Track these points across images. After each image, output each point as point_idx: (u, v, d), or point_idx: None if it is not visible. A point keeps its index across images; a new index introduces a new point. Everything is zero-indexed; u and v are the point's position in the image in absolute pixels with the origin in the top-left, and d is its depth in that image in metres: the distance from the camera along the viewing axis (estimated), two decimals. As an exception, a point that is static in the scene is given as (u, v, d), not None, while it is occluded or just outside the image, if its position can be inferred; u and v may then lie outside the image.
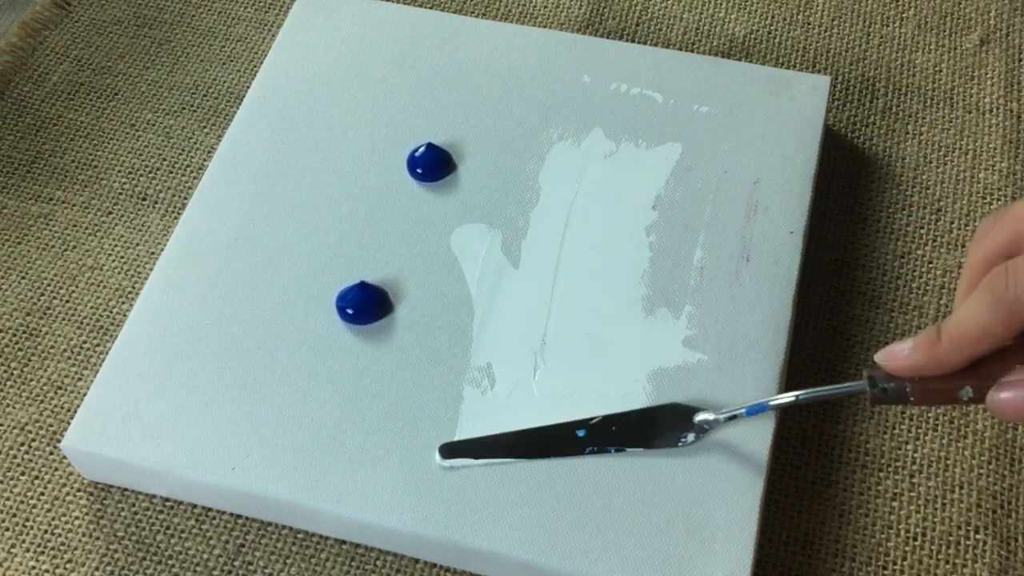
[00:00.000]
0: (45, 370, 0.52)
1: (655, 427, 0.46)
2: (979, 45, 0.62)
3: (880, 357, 0.38)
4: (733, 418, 0.45)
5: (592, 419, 0.46)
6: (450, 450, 0.46)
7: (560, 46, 0.58)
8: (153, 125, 0.61)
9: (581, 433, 0.46)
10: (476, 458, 0.46)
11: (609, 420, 0.46)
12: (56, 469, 0.49)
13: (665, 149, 0.54)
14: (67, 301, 0.54)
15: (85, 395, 0.49)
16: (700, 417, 0.45)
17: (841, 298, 0.53)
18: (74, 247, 0.56)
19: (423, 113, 0.56)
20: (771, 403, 0.43)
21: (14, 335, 0.53)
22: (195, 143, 0.60)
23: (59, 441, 0.50)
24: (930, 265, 0.54)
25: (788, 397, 0.42)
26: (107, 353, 0.50)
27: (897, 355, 0.38)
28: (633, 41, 0.63)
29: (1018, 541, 0.47)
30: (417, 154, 0.54)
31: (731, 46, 0.63)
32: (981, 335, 0.35)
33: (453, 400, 0.47)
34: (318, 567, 0.47)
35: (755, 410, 0.44)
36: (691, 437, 0.46)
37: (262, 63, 0.59)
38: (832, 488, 0.48)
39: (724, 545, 0.44)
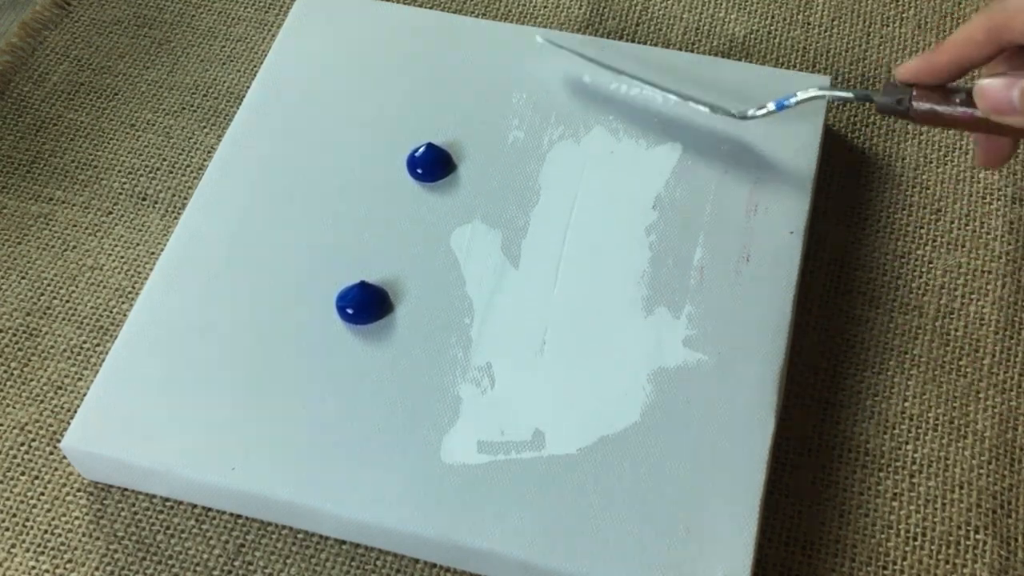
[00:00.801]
0: (45, 370, 0.52)
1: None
2: (979, 45, 0.62)
3: (896, 69, 0.45)
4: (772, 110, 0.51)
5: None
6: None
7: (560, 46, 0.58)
8: (153, 125, 0.61)
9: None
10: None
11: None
12: (56, 469, 0.49)
13: (665, 149, 0.54)
14: (67, 301, 0.54)
15: (85, 395, 0.49)
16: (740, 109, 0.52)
17: (841, 298, 0.53)
18: (74, 247, 0.56)
19: (423, 113, 0.56)
20: (795, 99, 0.50)
21: (14, 335, 0.53)
22: (195, 143, 0.60)
23: (59, 441, 0.50)
24: (930, 265, 0.54)
25: (812, 92, 0.49)
26: (107, 353, 0.50)
27: (905, 64, 0.44)
28: (633, 41, 0.63)
29: (1018, 541, 0.47)
30: (417, 154, 0.54)
31: (731, 46, 0.63)
32: (966, 39, 0.41)
33: (453, 400, 0.47)
34: (318, 567, 0.47)
35: (782, 104, 0.50)
36: (751, 110, 0.52)
37: (262, 63, 0.59)
38: (832, 488, 0.48)
39: (724, 545, 0.44)
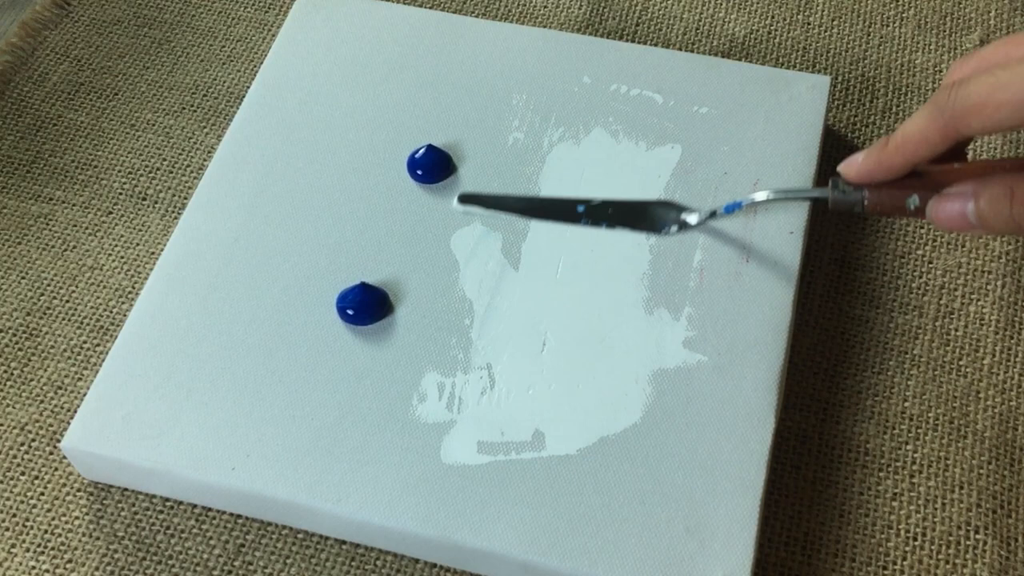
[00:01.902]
0: (45, 370, 0.52)
1: (646, 216, 0.51)
2: (979, 45, 0.62)
3: (841, 166, 0.43)
4: (712, 215, 0.49)
5: (592, 200, 0.51)
6: (467, 198, 0.52)
7: (560, 46, 0.58)
8: (153, 125, 0.61)
9: (581, 208, 0.51)
10: (487, 208, 0.51)
11: (607, 204, 0.51)
12: (56, 469, 0.49)
13: (665, 150, 0.54)
14: (67, 301, 0.54)
15: (85, 395, 0.49)
16: (684, 215, 0.50)
17: (841, 298, 0.54)
18: (74, 247, 0.56)
19: (423, 114, 0.56)
20: (746, 201, 0.48)
21: (14, 335, 0.53)
22: (195, 143, 0.60)
23: (59, 441, 0.50)
24: (930, 265, 0.54)
25: (762, 195, 0.47)
26: (107, 353, 0.50)
27: (853, 162, 0.42)
28: (633, 41, 0.63)
29: (1018, 541, 0.47)
30: (417, 155, 0.54)
31: (731, 46, 0.63)
32: (920, 140, 0.39)
33: (453, 400, 0.47)
34: (318, 567, 0.47)
35: (732, 208, 0.48)
36: (674, 228, 0.50)
37: (262, 63, 0.59)
38: (832, 488, 0.48)
39: (724, 545, 0.44)
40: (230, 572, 0.47)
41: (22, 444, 0.50)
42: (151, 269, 0.54)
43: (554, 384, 0.48)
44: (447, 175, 0.54)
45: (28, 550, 0.47)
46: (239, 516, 0.48)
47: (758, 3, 0.65)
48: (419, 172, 0.54)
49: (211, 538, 0.47)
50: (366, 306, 0.49)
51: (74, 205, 0.58)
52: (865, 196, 0.42)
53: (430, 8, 0.64)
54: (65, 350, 0.53)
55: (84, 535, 0.48)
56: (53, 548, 0.47)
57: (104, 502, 0.48)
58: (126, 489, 0.49)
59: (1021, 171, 0.39)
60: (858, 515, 0.48)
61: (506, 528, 0.44)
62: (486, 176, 0.54)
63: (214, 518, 0.48)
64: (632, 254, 0.51)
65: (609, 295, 0.50)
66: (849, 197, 0.43)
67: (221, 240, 0.52)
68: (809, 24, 0.64)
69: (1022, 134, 0.58)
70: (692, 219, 0.50)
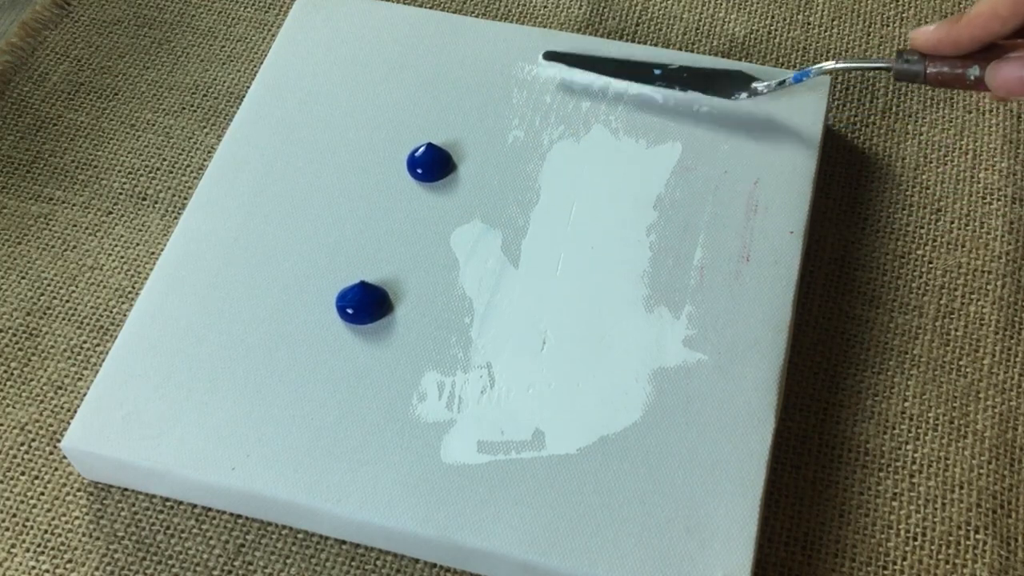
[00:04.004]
0: (45, 370, 0.52)
1: (717, 82, 0.54)
2: (979, 45, 0.62)
3: (912, 33, 0.45)
4: (782, 83, 0.52)
5: (669, 64, 0.55)
6: (552, 55, 0.56)
7: (560, 46, 0.58)
8: (153, 125, 0.61)
9: (658, 72, 0.55)
10: (570, 65, 0.55)
11: (683, 68, 0.55)
12: (56, 469, 0.49)
13: (665, 149, 0.54)
14: (67, 301, 0.54)
15: (85, 395, 0.49)
16: (755, 84, 0.53)
17: (841, 298, 0.53)
18: (74, 247, 0.56)
19: (423, 113, 0.56)
20: (814, 70, 0.51)
21: (14, 335, 0.53)
22: (195, 143, 0.60)
23: (59, 441, 0.50)
24: (930, 265, 0.54)
25: (829, 64, 0.50)
26: (107, 353, 0.50)
27: (923, 31, 0.44)
28: (633, 41, 0.63)
29: (1018, 541, 0.47)
30: (417, 154, 0.54)
31: (731, 46, 0.63)
32: (990, 15, 0.41)
33: (453, 400, 0.47)
34: (318, 567, 0.47)
35: (800, 77, 0.51)
36: (744, 95, 0.54)
37: (262, 63, 0.59)
38: (832, 488, 0.48)
39: (724, 545, 0.44)
40: (230, 572, 0.47)
41: (22, 444, 0.50)
42: (151, 269, 0.54)
43: (554, 383, 0.48)
44: (447, 173, 0.54)
45: (28, 550, 0.47)
46: (239, 516, 0.48)
47: (758, 3, 0.65)
48: (419, 171, 0.54)
49: (211, 538, 0.47)
50: (366, 305, 0.49)
51: (74, 205, 0.58)
52: (927, 66, 0.44)
53: (430, 8, 0.64)
54: (65, 350, 0.53)
55: (84, 535, 0.48)
56: (53, 548, 0.47)
57: (104, 502, 0.48)
58: (126, 489, 0.49)
59: None
60: (858, 515, 0.48)
61: (506, 528, 0.44)
62: (486, 174, 0.54)
63: (214, 518, 0.48)
64: (632, 252, 0.51)
65: (609, 293, 0.50)
66: (913, 67, 0.45)
67: (221, 240, 0.52)
68: (809, 24, 0.64)
69: (1021, 133, 0.58)
70: (762, 87, 0.53)
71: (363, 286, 0.50)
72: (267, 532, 0.47)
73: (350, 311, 0.49)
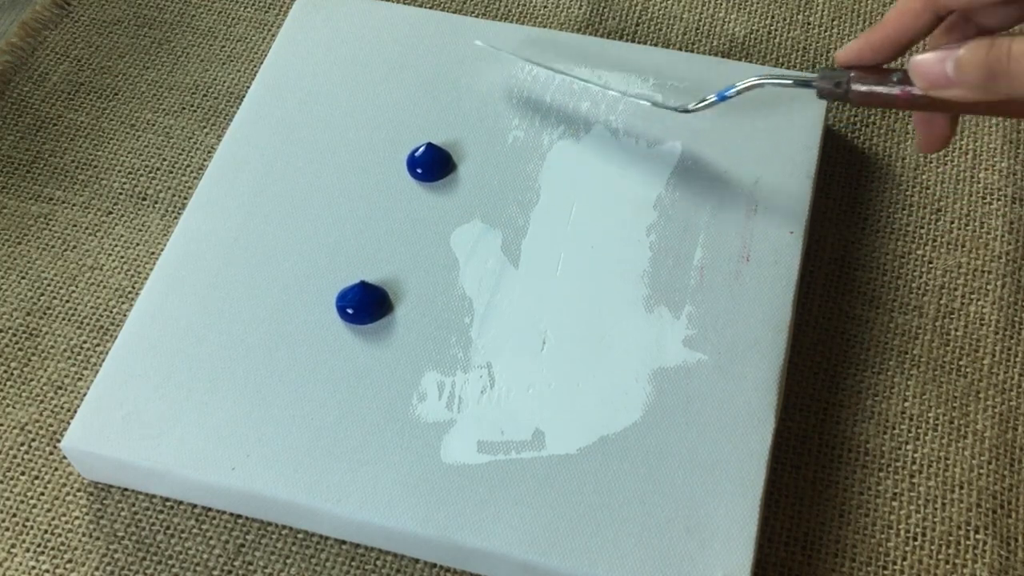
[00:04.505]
0: (45, 370, 0.52)
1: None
2: (979, 45, 0.62)
3: (836, 53, 0.44)
4: (703, 102, 0.50)
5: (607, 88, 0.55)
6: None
7: (560, 46, 0.58)
8: (153, 125, 0.61)
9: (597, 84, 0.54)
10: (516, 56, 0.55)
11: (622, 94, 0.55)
12: (56, 469, 0.49)
13: (665, 148, 0.54)
14: (67, 301, 0.54)
15: (85, 395, 0.49)
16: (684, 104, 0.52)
17: (841, 298, 0.53)
18: (74, 247, 0.56)
19: (423, 113, 0.56)
20: (736, 88, 0.49)
21: (14, 335, 0.53)
22: (195, 143, 0.60)
23: (59, 441, 0.50)
24: (930, 265, 0.54)
25: (751, 80, 0.48)
26: (107, 353, 0.50)
27: (846, 47, 0.43)
28: (633, 41, 0.63)
29: (1018, 541, 0.47)
30: (417, 154, 0.54)
31: (731, 46, 0.63)
32: (903, 11, 0.41)
33: (453, 400, 0.47)
34: (318, 567, 0.47)
35: (723, 94, 0.49)
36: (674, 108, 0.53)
37: (262, 63, 0.59)
38: (832, 488, 0.48)
39: (724, 545, 0.44)
40: (230, 572, 0.47)
41: (22, 444, 0.50)
42: (151, 269, 0.54)
43: (554, 383, 0.48)
44: (447, 173, 0.54)
45: (28, 550, 0.47)
46: (239, 516, 0.48)
47: (758, 3, 0.65)
48: (419, 170, 0.54)
49: (211, 538, 0.47)
50: (366, 305, 0.49)
51: (74, 205, 0.58)
52: (851, 80, 0.43)
53: (430, 8, 0.64)
54: (65, 350, 0.53)
55: (84, 535, 0.48)
56: (53, 548, 0.47)
57: (104, 502, 0.48)
58: (126, 489, 0.49)
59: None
60: (858, 515, 0.48)
61: (506, 528, 0.44)
62: (486, 174, 0.54)
63: (214, 518, 0.48)
64: (632, 252, 0.51)
65: (609, 293, 0.50)
66: (836, 80, 0.43)
67: (221, 240, 0.52)
68: (809, 24, 0.64)
69: (1021, 133, 0.58)
70: (691, 106, 0.51)
71: (363, 286, 0.50)
72: (267, 532, 0.47)
73: (350, 311, 0.49)
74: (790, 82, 0.46)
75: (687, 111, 0.51)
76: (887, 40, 0.42)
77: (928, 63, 0.39)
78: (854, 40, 0.43)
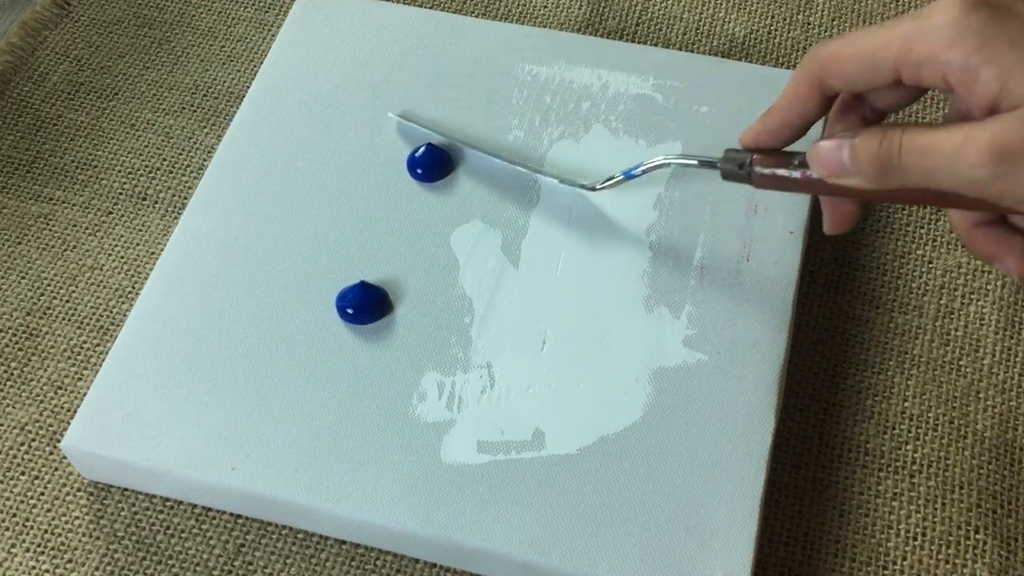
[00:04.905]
0: (45, 370, 0.52)
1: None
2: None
3: (741, 135, 0.43)
4: (612, 179, 0.50)
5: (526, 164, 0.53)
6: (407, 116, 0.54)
7: (560, 46, 0.58)
8: (153, 125, 0.61)
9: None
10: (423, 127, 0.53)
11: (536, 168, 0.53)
12: (56, 469, 0.49)
13: (665, 149, 0.54)
14: (67, 301, 0.54)
15: (85, 395, 0.49)
16: (584, 182, 0.52)
17: (841, 298, 0.53)
18: (74, 247, 0.56)
19: (423, 113, 0.56)
20: (642, 167, 0.48)
21: (14, 335, 0.53)
22: (195, 143, 0.60)
23: (59, 441, 0.50)
24: (930, 265, 0.54)
25: (657, 159, 0.48)
26: (107, 353, 0.50)
27: (748, 128, 0.43)
28: (633, 41, 0.63)
29: (1018, 541, 0.47)
30: (417, 154, 0.54)
31: (731, 46, 0.63)
32: (792, 95, 0.40)
33: (453, 400, 0.47)
34: (318, 567, 0.47)
35: (629, 173, 0.49)
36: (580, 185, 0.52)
37: (262, 63, 0.59)
38: (832, 488, 0.48)
39: (724, 545, 0.44)
40: (230, 572, 0.47)
41: (22, 444, 0.50)
42: (151, 269, 0.54)
43: (554, 383, 0.48)
44: (447, 173, 0.54)
45: (28, 550, 0.47)
46: (239, 516, 0.48)
47: (758, 3, 0.65)
48: (419, 171, 0.54)
49: (211, 538, 0.47)
50: (366, 305, 0.49)
51: (74, 205, 0.58)
52: (753, 162, 0.42)
53: (430, 8, 0.64)
54: (65, 350, 0.53)
55: (84, 535, 0.48)
56: (53, 548, 0.47)
57: (104, 502, 0.48)
58: (126, 489, 0.49)
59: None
60: (858, 515, 0.48)
61: (506, 528, 0.44)
62: (486, 175, 0.54)
63: (214, 518, 0.48)
64: (632, 252, 0.51)
65: (609, 293, 0.50)
66: (739, 161, 0.42)
67: (221, 240, 0.52)
68: (809, 24, 0.64)
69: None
70: (599, 185, 0.51)
71: (363, 286, 0.50)
72: (267, 532, 0.47)
73: (350, 311, 0.49)
74: (695, 163, 0.45)
75: (593, 189, 0.51)
76: (783, 124, 0.41)
77: (825, 151, 0.39)
78: (755, 122, 0.42)
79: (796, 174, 0.41)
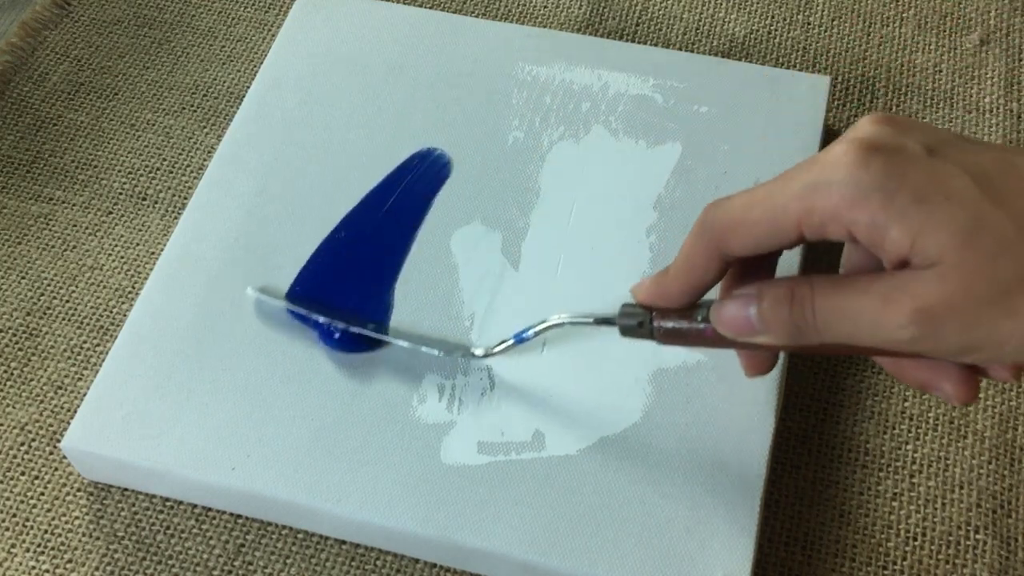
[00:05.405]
0: (45, 370, 0.52)
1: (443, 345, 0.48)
2: (979, 45, 0.62)
3: (632, 287, 0.40)
4: (504, 343, 0.46)
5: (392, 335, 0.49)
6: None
7: (560, 46, 0.58)
8: (153, 125, 0.61)
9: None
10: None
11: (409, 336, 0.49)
12: (56, 469, 0.49)
13: (665, 149, 0.54)
14: (67, 301, 0.54)
15: (85, 395, 0.49)
16: (474, 350, 0.48)
17: (841, 298, 0.53)
18: (74, 247, 0.56)
19: (423, 113, 0.56)
20: (534, 329, 0.45)
21: (14, 335, 0.53)
22: (195, 143, 0.60)
23: (59, 441, 0.50)
24: (930, 265, 0.54)
25: (554, 319, 0.44)
26: (107, 353, 0.50)
27: (640, 284, 0.40)
28: (633, 41, 0.63)
29: (1018, 541, 0.47)
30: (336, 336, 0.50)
31: (731, 46, 0.63)
32: (689, 265, 0.38)
33: (453, 401, 0.47)
34: (318, 567, 0.47)
35: (520, 337, 0.46)
36: (461, 356, 0.48)
37: (262, 63, 0.59)
38: (832, 488, 0.48)
39: (724, 545, 0.44)
40: (230, 572, 0.47)
41: (22, 444, 0.50)
42: (151, 269, 0.54)
43: (554, 383, 0.48)
44: (446, 174, 0.54)
45: (28, 550, 0.47)
46: (239, 516, 0.48)
47: (758, 3, 0.65)
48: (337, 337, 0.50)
49: (211, 538, 0.47)
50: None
51: (74, 205, 0.58)
52: (654, 319, 0.40)
53: (430, 8, 0.64)
54: (65, 350, 0.53)
55: (84, 535, 0.48)
56: (53, 548, 0.47)
57: (104, 502, 0.48)
58: (126, 489, 0.49)
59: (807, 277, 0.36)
60: (858, 515, 0.48)
61: (506, 528, 0.44)
62: (486, 175, 0.54)
63: (214, 518, 0.48)
64: (632, 253, 0.51)
65: (609, 294, 0.50)
66: (636, 320, 0.40)
67: (221, 240, 0.52)
68: (809, 24, 0.64)
69: (1021, 133, 0.58)
70: (479, 352, 0.48)
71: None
72: (267, 532, 0.47)
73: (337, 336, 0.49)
74: (591, 320, 0.42)
75: (479, 357, 0.48)
76: (680, 292, 0.39)
77: (730, 313, 0.37)
78: (648, 279, 0.40)
79: (702, 327, 0.38)
